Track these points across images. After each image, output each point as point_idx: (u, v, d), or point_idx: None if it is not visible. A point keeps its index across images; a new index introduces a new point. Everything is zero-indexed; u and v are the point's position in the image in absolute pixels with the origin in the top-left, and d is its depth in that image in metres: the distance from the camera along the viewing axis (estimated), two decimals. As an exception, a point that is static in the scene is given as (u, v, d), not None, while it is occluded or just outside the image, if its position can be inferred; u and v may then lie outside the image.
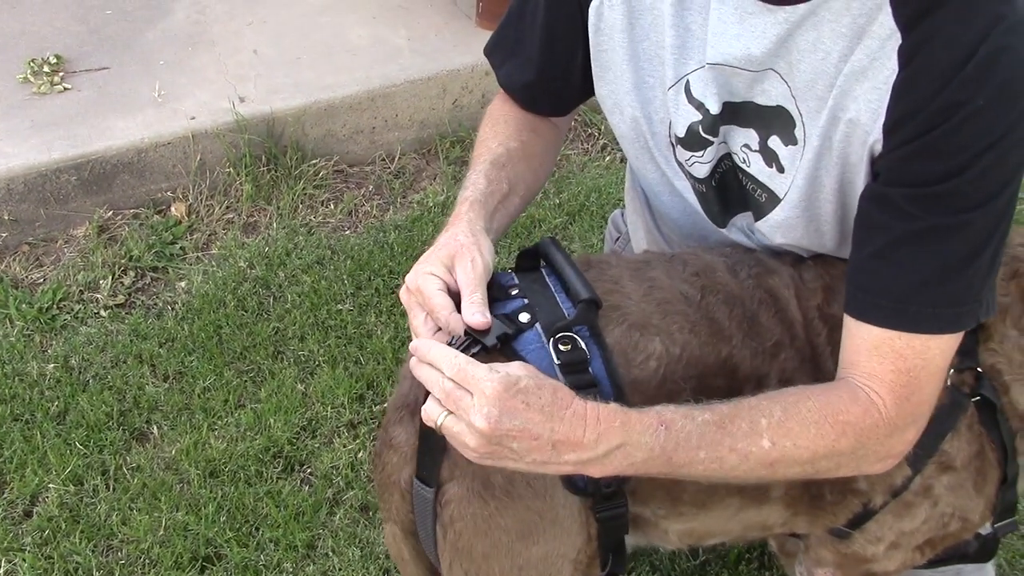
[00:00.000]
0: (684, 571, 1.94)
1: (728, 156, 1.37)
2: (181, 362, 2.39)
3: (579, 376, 1.21)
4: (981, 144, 1.10)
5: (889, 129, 1.15)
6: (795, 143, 1.27)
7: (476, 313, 1.21)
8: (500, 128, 1.50)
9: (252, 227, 2.82)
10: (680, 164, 1.42)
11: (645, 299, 1.32)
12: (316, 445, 2.20)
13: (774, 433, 1.17)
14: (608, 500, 1.26)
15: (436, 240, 1.31)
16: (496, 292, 1.30)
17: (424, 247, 1.49)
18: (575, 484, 1.25)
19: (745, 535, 1.49)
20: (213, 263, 2.68)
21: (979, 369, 1.34)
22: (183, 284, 2.63)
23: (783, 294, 1.37)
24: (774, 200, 1.34)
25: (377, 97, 2.96)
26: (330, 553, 1.99)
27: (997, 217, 1.15)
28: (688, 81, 1.31)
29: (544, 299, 1.28)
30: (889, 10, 1.13)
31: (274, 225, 2.79)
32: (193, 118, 2.83)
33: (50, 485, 2.10)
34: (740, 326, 1.33)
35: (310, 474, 2.15)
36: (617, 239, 1.84)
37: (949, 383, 1.32)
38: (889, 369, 1.19)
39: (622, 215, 1.87)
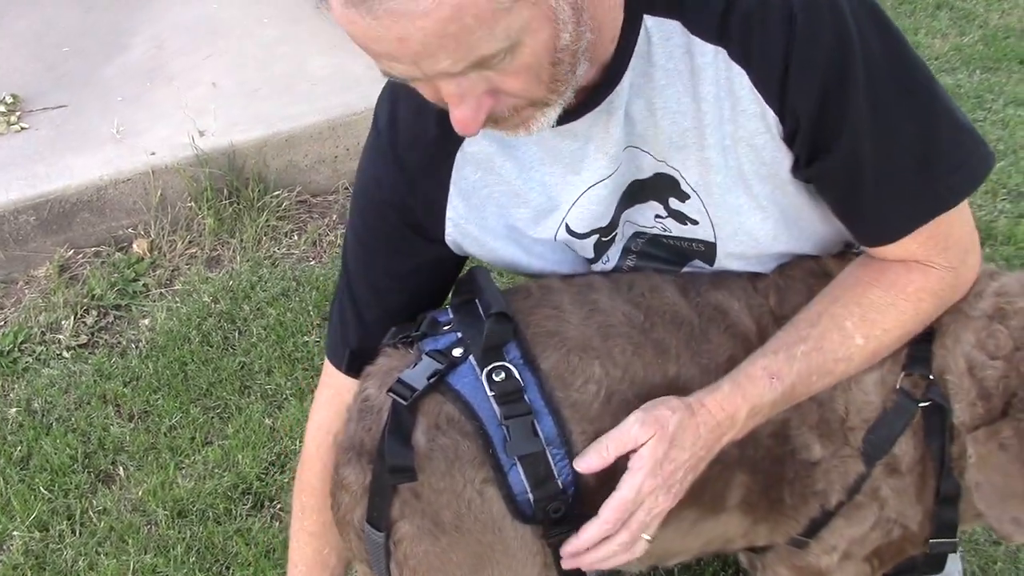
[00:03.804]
0: (660, 592, 1.93)
1: (637, 236, 1.39)
2: (146, 401, 2.36)
3: (514, 405, 1.23)
4: (856, 65, 1.15)
5: (780, 114, 1.19)
6: (688, 197, 1.30)
7: None
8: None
9: (215, 261, 2.79)
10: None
11: (585, 322, 1.32)
12: (285, 480, 2.17)
13: (863, 330, 1.29)
14: (558, 525, 1.25)
15: None
16: (429, 328, 1.33)
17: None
18: (523, 513, 1.25)
19: (706, 549, 1.49)
20: (177, 299, 2.65)
21: (931, 376, 1.35)
22: (147, 322, 2.60)
23: (732, 307, 1.37)
24: (711, 246, 1.36)
25: (338, 126, 2.95)
26: (302, 590, 1.96)
27: (924, 92, 1.21)
28: (567, 224, 1.33)
29: (477, 331, 1.29)
30: (696, 40, 1.17)
31: (238, 258, 2.77)
32: (153, 153, 2.81)
33: (14, 532, 2.07)
34: (688, 345, 1.34)
35: (280, 510, 2.12)
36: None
37: (899, 386, 1.34)
38: (918, 248, 1.28)
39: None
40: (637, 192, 1.32)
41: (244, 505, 2.12)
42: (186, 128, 2.87)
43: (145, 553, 2.03)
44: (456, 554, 1.27)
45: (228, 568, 2.00)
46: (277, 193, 2.92)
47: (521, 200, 1.33)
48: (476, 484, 1.25)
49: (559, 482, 1.25)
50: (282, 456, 2.22)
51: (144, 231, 2.81)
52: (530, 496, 1.25)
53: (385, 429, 1.26)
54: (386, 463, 1.24)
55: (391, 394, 1.26)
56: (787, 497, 1.40)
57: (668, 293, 1.38)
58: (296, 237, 2.87)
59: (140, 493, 2.15)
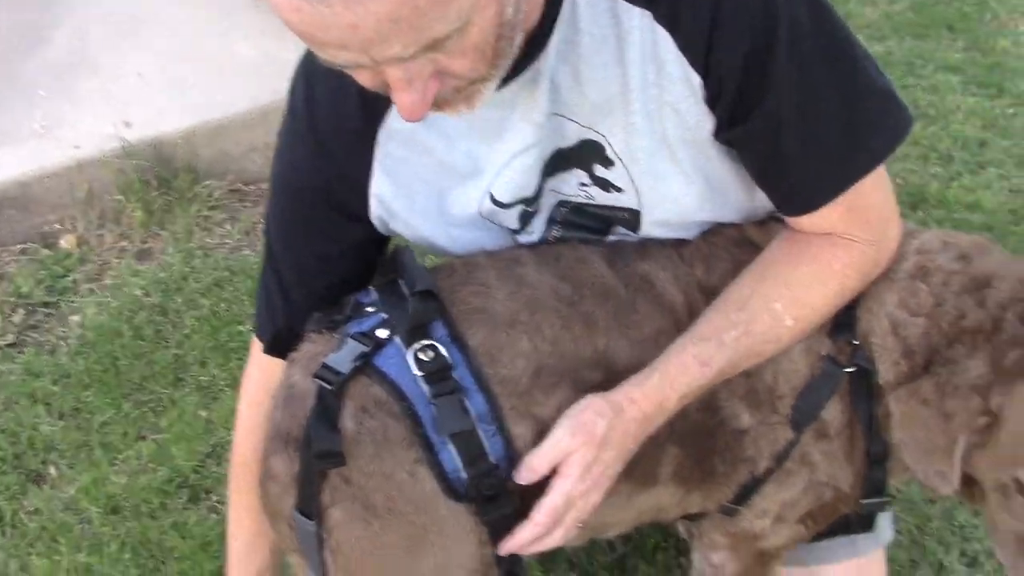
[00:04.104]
0: (603, 565, 1.93)
1: (561, 205, 1.37)
2: (77, 398, 2.31)
3: (443, 384, 1.22)
4: (781, 29, 1.16)
5: (704, 78, 1.19)
6: (612, 164, 1.29)
7: None
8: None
9: (146, 254, 2.74)
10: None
11: (512, 297, 1.30)
12: (222, 472, 2.13)
13: (792, 311, 1.30)
14: (492, 502, 1.24)
15: None
16: (352, 311, 1.31)
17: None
18: (456, 492, 1.23)
19: (641, 520, 1.49)
20: (107, 294, 2.60)
21: (856, 341, 1.35)
22: (76, 318, 2.54)
23: (658, 277, 1.36)
24: (635, 214, 1.35)
25: (269, 112, 2.89)
26: (241, 580, 1.93)
27: (847, 58, 1.22)
28: (491, 194, 1.31)
29: (402, 311, 1.27)
30: (622, 3, 1.17)
31: (169, 250, 2.72)
32: (78, 147, 2.75)
33: (-58, 537, 2.01)
34: (616, 317, 1.32)
35: (217, 502, 2.09)
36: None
37: (825, 353, 1.34)
38: (838, 219, 1.29)
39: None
40: (561, 160, 1.31)
41: (180, 499, 2.08)
42: (112, 120, 2.81)
43: (78, 552, 1.98)
44: (390, 537, 1.25)
45: (164, 563, 1.96)
46: (208, 183, 2.87)
47: (446, 171, 1.31)
48: (407, 465, 1.23)
49: (492, 459, 1.24)
50: (218, 448, 2.18)
51: (71, 226, 2.75)
52: (463, 474, 1.23)
53: (311, 415, 1.24)
54: (313, 449, 1.22)
55: (316, 379, 1.24)
56: (718, 466, 1.40)
57: (595, 264, 1.36)
58: (229, 227, 2.82)
59: (73, 491, 2.10)
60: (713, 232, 1.40)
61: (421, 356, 1.23)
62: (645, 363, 1.31)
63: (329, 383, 1.22)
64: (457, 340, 1.25)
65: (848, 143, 1.24)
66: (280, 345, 1.41)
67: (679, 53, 1.17)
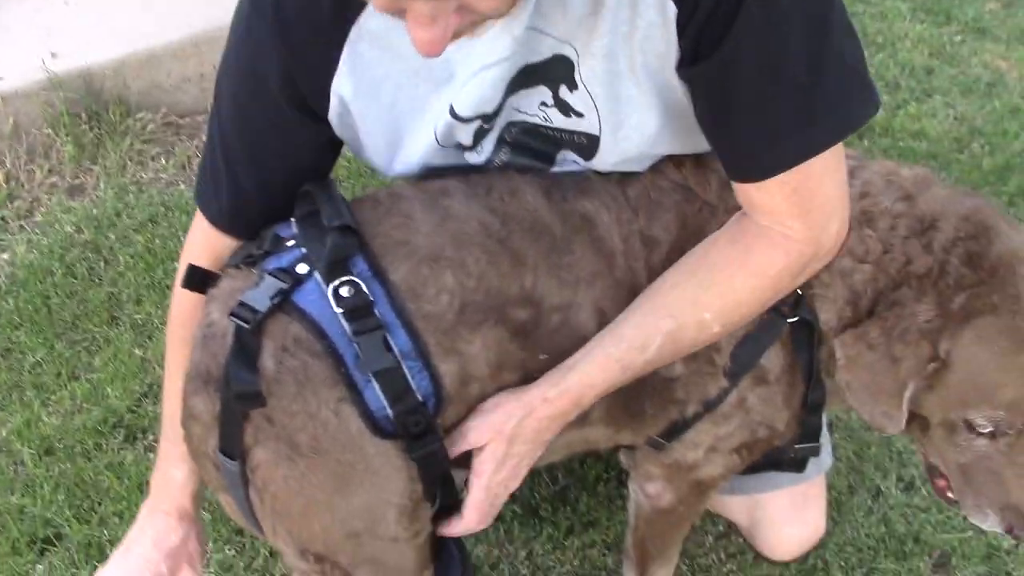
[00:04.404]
0: (544, 497, 1.92)
1: (512, 124, 1.32)
2: (8, 338, 2.25)
3: (364, 320, 1.19)
4: None
5: (680, 4, 1.14)
6: (577, 88, 1.24)
7: None
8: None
9: (78, 190, 2.66)
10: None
11: (437, 231, 1.27)
12: (159, 411, 2.08)
13: (721, 318, 1.28)
14: (419, 439, 1.23)
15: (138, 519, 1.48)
16: (271, 245, 1.27)
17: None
18: (383, 430, 1.22)
19: (571, 451, 1.51)
20: (37, 231, 2.52)
21: (799, 291, 1.34)
22: (6, 256, 2.46)
23: (601, 219, 1.33)
24: (594, 140, 1.30)
25: (202, 43, 2.80)
26: (178, 520, 1.90)
27: (822, 22, 1.16)
28: (452, 106, 1.26)
29: (322, 246, 1.23)
30: None
31: (102, 185, 2.63)
32: (1, 78, 2.64)
33: None
34: (547, 256, 1.29)
35: (154, 441, 2.04)
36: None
37: None
38: (782, 200, 1.23)
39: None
40: (528, 76, 1.25)
41: (115, 439, 2.04)
42: (37, 50, 2.70)
43: (11, 494, 1.94)
44: (316, 476, 1.24)
45: (100, 504, 1.93)
46: (141, 115, 2.77)
47: (420, 77, 1.25)
48: (331, 404, 1.21)
49: (418, 395, 1.22)
50: (154, 387, 2.13)
51: (-1, 161, 2.66)
52: (389, 412, 1.21)
53: (229, 355, 1.21)
54: (232, 390, 1.20)
55: (233, 318, 1.20)
56: (647, 408, 1.39)
57: (529, 197, 1.33)
58: (164, 161, 2.73)
59: (4, 433, 2.05)
60: (656, 173, 1.36)
61: (341, 292, 1.20)
62: (573, 303, 1.29)
63: (246, 321, 1.19)
64: (379, 275, 1.22)
65: (806, 114, 1.19)
66: (223, 219, 1.37)
67: None
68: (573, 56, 1.21)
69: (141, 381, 2.15)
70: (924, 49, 3.13)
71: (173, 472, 1.45)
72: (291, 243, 1.27)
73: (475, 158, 1.35)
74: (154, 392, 2.13)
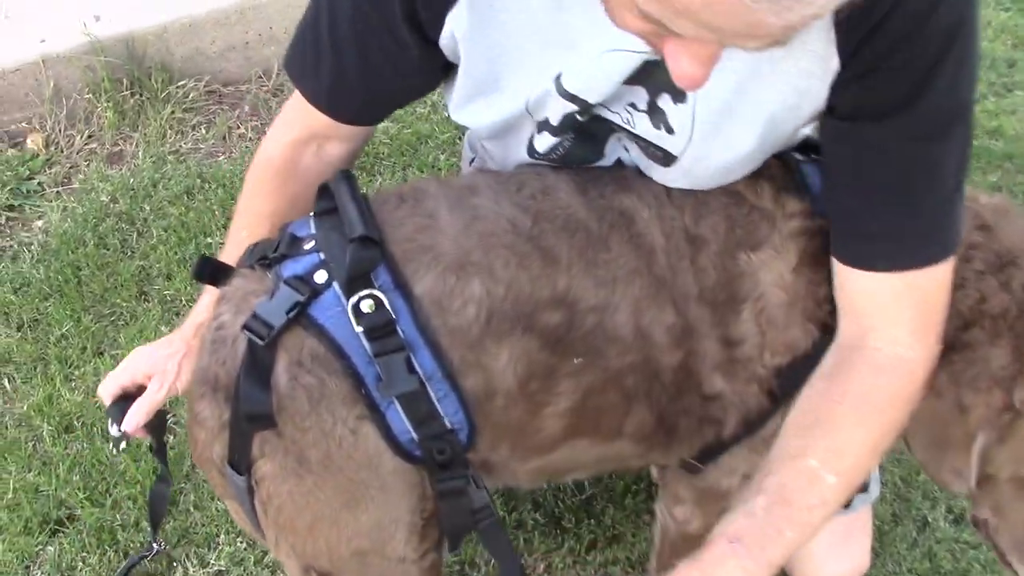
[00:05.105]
0: (569, 507, 1.84)
1: (573, 116, 1.20)
2: (36, 308, 2.21)
3: (386, 340, 1.12)
4: (933, 64, 1.04)
5: (845, 63, 1.05)
6: (683, 101, 1.13)
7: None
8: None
9: (117, 157, 2.61)
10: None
11: (464, 233, 1.18)
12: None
13: (831, 466, 1.12)
14: (446, 469, 1.16)
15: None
16: (287, 247, 1.19)
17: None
18: (407, 452, 1.16)
19: (601, 468, 1.43)
20: (73, 199, 2.48)
21: None
22: (40, 223, 2.44)
23: (641, 215, 1.23)
24: (670, 158, 1.20)
25: (247, 10, 2.74)
26: (192, 509, 1.86)
27: (966, 131, 1.10)
28: (560, 77, 1.15)
29: (341, 249, 1.15)
30: None
31: (140, 154, 2.59)
32: (43, 41, 2.59)
33: None
34: (582, 254, 1.20)
35: (175, 423, 2.00)
36: (472, 160, 1.68)
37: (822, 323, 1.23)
38: (909, 310, 1.14)
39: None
40: (641, 73, 1.14)
41: (135, 419, 2.00)
42: (79, 13, 2.65)
43: (28, 471, 1.91)
44: (325, 492, 1.18)
45: (115, 486, 1.89)
46: (183, 83, 2.72)
47: (540, 34, 1.14)
48: (349, 422, 1.15)
49: (446, 421, 1.15)
50: (179, 366, 2.09)
51: (39, 125, 2.62)
52: (413, 435, 1.15)
53: (241, 371, 1.14)
54: (242, 410, 1.14)
55: (246, 332, 1.13)
56: (681, 423, 1.30)
57: (563, 193, 1.23)
58: (204, 130, 2.68)
59: (25, 407, 2.02)
60: None
61: (362, 307, 1.12)
62: (611, 305, 1.20)
63: (261, 337, 1.12)
64: (401, 287, 1.14)
65: (939, 218, 1.11)
66: (323, 98, 1.28)
67: (830, 27, 1.03)
68: None
69: (165, 360, 2.10)
70: (1007, 39, 2.95)
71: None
72: (308, 245, 1.19)
73: (541, 143, 1.25)
74: (178, 372, 2.08)
